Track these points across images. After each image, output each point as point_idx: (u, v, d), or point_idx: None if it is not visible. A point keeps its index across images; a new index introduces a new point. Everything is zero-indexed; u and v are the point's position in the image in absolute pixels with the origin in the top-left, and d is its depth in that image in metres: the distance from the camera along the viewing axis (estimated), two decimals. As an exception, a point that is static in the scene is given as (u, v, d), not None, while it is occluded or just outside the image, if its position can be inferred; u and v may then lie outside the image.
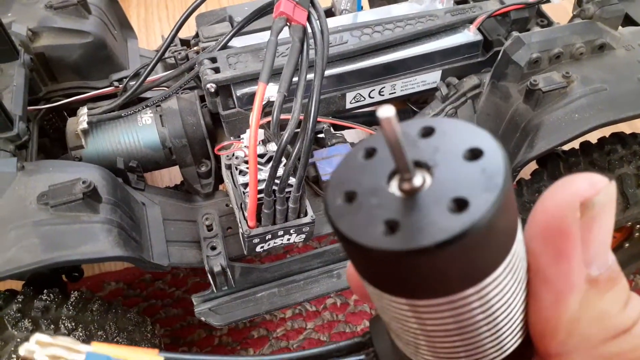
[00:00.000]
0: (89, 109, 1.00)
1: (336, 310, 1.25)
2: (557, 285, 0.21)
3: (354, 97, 1.01)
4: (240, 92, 0.93)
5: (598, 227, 0.20)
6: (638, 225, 1.09)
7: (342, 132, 1.08)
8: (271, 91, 0.82)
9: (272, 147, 0.92)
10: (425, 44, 1.00)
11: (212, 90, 0.91)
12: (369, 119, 1.15)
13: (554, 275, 0.21)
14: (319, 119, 1.00)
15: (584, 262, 0.20)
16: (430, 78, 1.03)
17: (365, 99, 1.03)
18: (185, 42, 1.19)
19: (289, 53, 0.79)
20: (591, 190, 0.20)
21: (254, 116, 0.77)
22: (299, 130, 0.81)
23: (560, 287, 0.21)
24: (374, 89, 1.01)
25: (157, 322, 1.23)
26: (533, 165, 1.09)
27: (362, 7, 1.18)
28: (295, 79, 0.80)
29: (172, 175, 1.44)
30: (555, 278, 0.21)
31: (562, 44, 0.90)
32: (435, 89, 1.04)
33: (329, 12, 1.17)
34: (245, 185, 0.88)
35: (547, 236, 0.21)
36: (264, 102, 0.88)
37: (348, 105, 1.03)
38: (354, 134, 1.23)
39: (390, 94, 1.03)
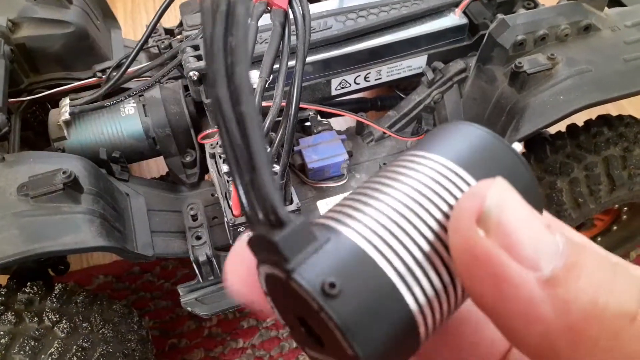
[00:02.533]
0: (71, 99, 0.99)
1: (327, 299, 1.24)
2: (515, 312, 0.17)
3: (340, 84, 1.00)
4: (223, 79, 0.91)
5: (515, 225, 0.17)
6: (625, 208, 1.08)
7: (329, 119, 1.07)
8: (254, 78, 0.81)
9: (256, 134, 0.90)
10: (411, 28, 0.99)
11: (195, 78, 0.90)
12: (356, 106, 1.15)
13: (503, 303, 0.17)
14: (304, 106, 0.99)
15: (527, 268, 0.17)
16: (416, 63, 1.02)
17: (350, 85, 1.02)
18: (169, 32, 1.18)
19: (270, 38, 0.78)
20: (477, 201, 0.17)
21: (235, 102, 0.76)
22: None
23: (519, 310, 0.17)
24: (359, 75, 1.00)
25: (147, 314, 1.22)
26: (519, 149, 1.09)
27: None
28: (277, 65, 0.79)
29: (159, 167, 1.43)
30: (508, 304, 0.17)
31: (547, 26, 0.90)
32: (422, 74, 1.03)
33: (314, -1, 1.15)
34: (229, 173, 0.88)
35: (471, 272, 0.18)
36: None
37: (334, 92, 1.02)
38: (342, 121, 1.22)
39: (376, 79, 1.02)
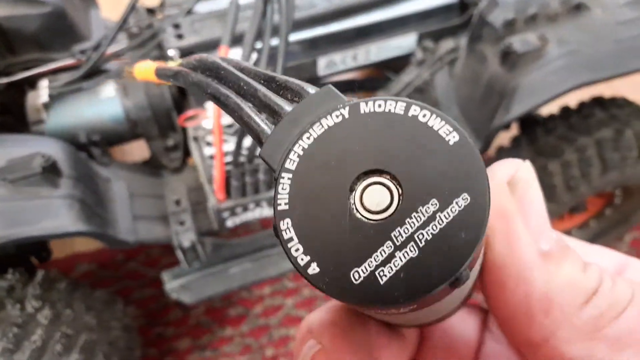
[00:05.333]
0: (49, 81, 0.96)
1: (316, 285, 1.23)
2: (515, 267, 0.21)
3: (327, 64, 0.98)
4: (206, 59, 0.89)
5: (531, 201, 0.21)
6: (618, 191, 1.07)
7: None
8: (236, 57, 0.78)
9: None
10: (400, 5, 0.96)
11: (176, 57, 0.87)
12: (345, 88, 1.12)
13: (508, 257, 0.21)
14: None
15: (531, 238, 0.21)
16: (405, 42, 1.00)
17: (338, 65, 0.99)
18: (151, 12, 1.14)
19: (252, 15, 0.75)
20: (512, 169, 0.22)
21: (217, 82, 0.74)
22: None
23: (519, 267, 0.21)
24: (347, 55, 0.98)
25: (132, 303, 1.20)
26: (513, 132, 1.07)
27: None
28: (260, 45, 0.77)
29: (143, 151, 1.40)
30: (511, 260, 0.21)
31: (537, 5, 0.87)
32: (412, 55, 1.01)
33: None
34: (213, 157, 0.85)
35: (491, 223, 0.21)
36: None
37: (321, 72, 0.99)
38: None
39: (364, 59, 1.00)
